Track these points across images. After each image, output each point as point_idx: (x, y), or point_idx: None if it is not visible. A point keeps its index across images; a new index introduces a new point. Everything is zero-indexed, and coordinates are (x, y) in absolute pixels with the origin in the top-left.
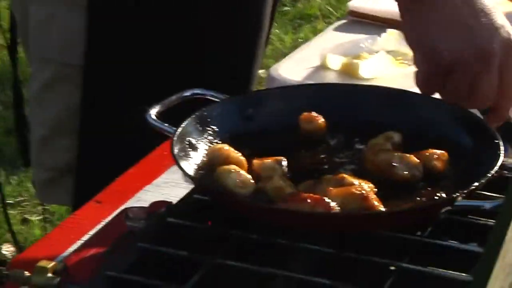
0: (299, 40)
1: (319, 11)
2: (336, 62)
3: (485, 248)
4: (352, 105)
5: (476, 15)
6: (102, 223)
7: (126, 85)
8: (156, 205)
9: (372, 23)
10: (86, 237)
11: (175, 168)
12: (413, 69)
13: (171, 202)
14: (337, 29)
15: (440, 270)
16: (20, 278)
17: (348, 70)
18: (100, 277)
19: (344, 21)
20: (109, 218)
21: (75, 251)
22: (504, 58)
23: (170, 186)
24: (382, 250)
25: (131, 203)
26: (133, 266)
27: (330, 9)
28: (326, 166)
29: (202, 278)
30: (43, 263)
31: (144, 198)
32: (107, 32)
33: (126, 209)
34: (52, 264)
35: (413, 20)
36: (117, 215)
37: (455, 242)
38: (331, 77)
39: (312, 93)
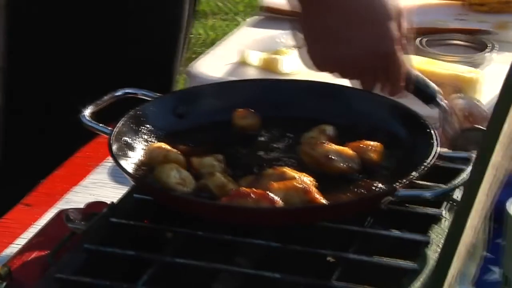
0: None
1: (209, 8)
2: (255, 58)
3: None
4: (284, 99)
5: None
6: (33, 226)
7: (49, 86)
8: (92, 206)
9: (287, 18)
10: (18, 241)
11: (100, 169)
12: None
13: (105, 203)
14: (252, 25)
15: (385, 259)
16: None
17: (268, 65)
18: (49, 280)
19: (258, 17)
20: (40, 220)
21: (17, 254)
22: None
23: (97, 187)
24: (327, 241)
25: (61, 205)
26: (81, 267)
27: (220, 4)
28: (263, 161)
29: (152, 276)
30: None
31: (73, 199)
32: (28, 32)
33: (63, 210)
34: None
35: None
36: (53, 217)
37: (397, 231)
38: (251, 73)
39: (244, 89)
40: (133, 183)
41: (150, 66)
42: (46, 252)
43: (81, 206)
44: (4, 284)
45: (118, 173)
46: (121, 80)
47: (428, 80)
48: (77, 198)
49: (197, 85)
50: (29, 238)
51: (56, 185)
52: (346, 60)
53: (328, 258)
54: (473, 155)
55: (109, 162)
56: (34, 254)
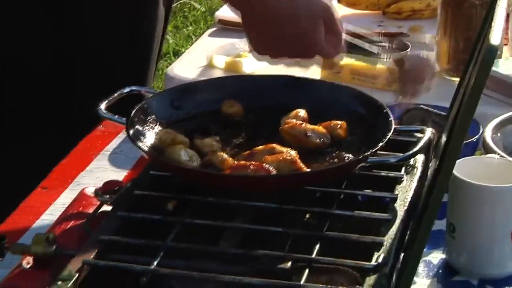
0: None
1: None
2: (221, 61)
3: None
4: (260, 91)
5: None
6: (53, 204)
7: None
8: (108, 184)
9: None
10: (43, 217)
11: (100, 156)
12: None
13: (118, 181)
14: (211, 35)
15: (365, 212)
16: (20, 249)
17: (232, 67)
18: (93, 241)
19: (214, 28)
20: (58, 200)
21: (55, 225)
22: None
23: (101, 171)
24: (313, 202)
25: (73, 186)
26: (117, 230)
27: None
28: (250, 141)
29: (177, 235)
30: (38, 235)
31: (83, 181)
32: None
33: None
34: (46, 235)
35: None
36: (78, 195)
37: (369, 191)
38: (218, 74)
39: (228, 84)
40: (150, 160)
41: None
42: (80, 222)
43: (89, 187)
44: (55, 246)
45: (115, 159)
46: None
47: None
48: (85, 181)
49: (174, 85)
50: (52, 214)
51: (65, 171)
52: (280, 42)
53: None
54: (426, 128)
55: (107, 151)
56: (71, 224)
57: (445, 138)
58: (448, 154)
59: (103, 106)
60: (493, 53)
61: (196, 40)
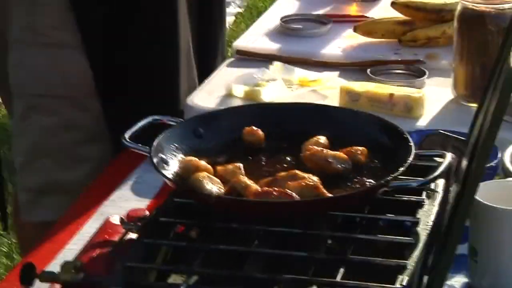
0: None
1: None
2: (240, 90)
3: None
4: (280, 118)
5: None
6: (79, 233)
7: None
8: (132, 212)
9: (255, 59)
10: (68, 246)
11: (123, 185)
12: (300, 91)
13: (142, 209)
14: (229, 65)
15: (387, 236)
16: (49, 277)
17: (251, 96)
18: (121, 268)
19: (232, 59)
20: (83, 229)
21: (82, 253)
22: None
23: (123, 200)
24: (336, 226)
25: (96, 216)
26: (144, 257)
27: None
28: (272, 167)
29: (203, 260)
30: (67, 263)
31: (106, 211)
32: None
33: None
34: (74, 263)
35: None
36: (103, 224)
37: (391, 215)
38: (237, 103)
39: (248, 112)
40: (174, 188)
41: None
42: (106, 249)
43: (114, 216)
44: (83, 274)
45: (138, 189)
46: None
47: None
48: (108, 210)
49: (194, 114)
50: (77, 243)
51: (89, 201)
52: None
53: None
54: (447, 152)
55: (129, 180)
56: (97, 251)
57: (466, 163)
58: (470, 179)
59: (127, 135)
60: None
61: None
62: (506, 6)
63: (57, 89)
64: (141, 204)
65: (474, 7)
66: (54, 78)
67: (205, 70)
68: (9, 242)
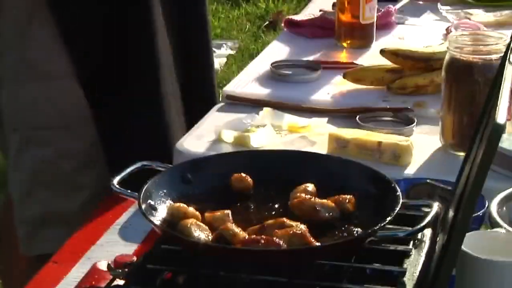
0: None
1: None
2: (229, 136)
3: None
4: (268, 165)
5: None
6: (64, 279)
7: None
8: (120, 258)
9: (245, 104)
10: None
11: (111, 230)
12: (289, 137)
13: (129, 255)
14: (219, 110)
15: (374, 286)
16: None
17: (240, 141)
18: None
19: (222, 104)
20: (69, 274)
21: None
22: None
23: (111, 245)
24: (323, 275)
25: (83, 261)
26: None
27: None
28: (260, 215)
29: None
30: None
31: (93, 256)
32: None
33: (96, 263)
34: None
35: None
36: (90, 269)
37: (378, 264)
38: (227, 148)
39: (237, 159)
40: (161, 234)
41: None
42: None
43: (101, 261)
44: None
45: (125, 233)
46: None
47: None
48: (96, 254)
49: (183, 159)
50: None
51: (76, 246)
52: None
53: None
54: (433, 202)
55: (117, 225)
56: None
57: (452, 213)
58: (456, 230)
59: (115, 181)
60: (499, 132)
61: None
62: (494, 57)
63: (51, 120)
64: (129, 248)
65: (461, 57)
66: (48, 109)
67: (193, 115)
68: None
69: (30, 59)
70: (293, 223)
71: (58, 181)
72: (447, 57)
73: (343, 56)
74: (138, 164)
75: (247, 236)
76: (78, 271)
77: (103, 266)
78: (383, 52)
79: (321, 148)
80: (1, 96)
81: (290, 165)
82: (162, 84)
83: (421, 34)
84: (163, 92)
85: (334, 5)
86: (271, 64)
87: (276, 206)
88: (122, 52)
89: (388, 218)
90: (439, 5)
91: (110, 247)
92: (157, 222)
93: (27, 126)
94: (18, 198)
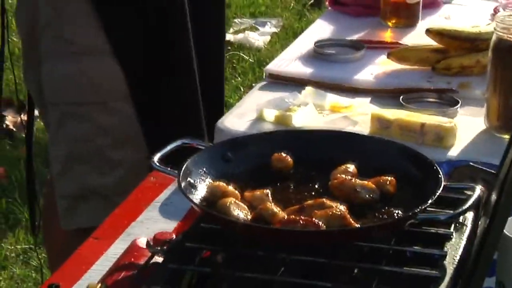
0: None
1: None
2: (270, 115)
3: None
4: (309, 145)
5: None
6: (104, 254)
7: None
8: (159, 235)
9: (287, 83)
10: (94, 267)
11: (151, 207)
12: (331, 117)
13: (169, 232)
14: (261, 89)
15: (414, 269)
16: None
17: (282, 120)
18: None
19: (264, 82)
20: (109, 250)
21: (107, 275)
22: None
23: (151, 222)
24: (362, 257)
25: (123, 237)
26: (168, 282)
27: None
28: (299, 195)
29: (228, 287)
30: (92, 284)
31: (133, 232)
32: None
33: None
34: (99, 285)
35: None
36: (130, 246)
37: (418, 247)
38: (268, 127)
39: (277, 138)
40: (200, 213)
41: None
42: (131, 272)
43: (141, 238)
44: None
45: (166, 211)
46: None
47: None
48: (136, 231)
49: (224, 137)
50: (103, 264)
51: (117, 222)
52: None
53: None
54: (476, 185)
55: (157, 202)
56: (123, 274)
57: (495, 197)
58: (499, 214)
59: (155, 158)
60: None
61: (244, 91)
62: None
63: (88, 96)
64: (169, 226)
65: (508, 38)
66: (85, 85)
67: None
68: (39, 257)
69: (67, 35)
70: (333, 204)
71: (94, 156)
72: (494, 37)
73: (387, 36)
74: (178, 142)
75: (286, 216)
76: (117, 247)
77: (142, 243)
78: (428, 31)
79: (363, 128)
80: (41, 72)
81: (331, 145)
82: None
83: (468, 14)
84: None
85: None
86: (314, 43)
87: (316, 186)
88: (161, 37)
89: (429, 201)
90: None
91: (150, 224)
92: (196, 201)
93: (65, 101)
94: (57, 173)
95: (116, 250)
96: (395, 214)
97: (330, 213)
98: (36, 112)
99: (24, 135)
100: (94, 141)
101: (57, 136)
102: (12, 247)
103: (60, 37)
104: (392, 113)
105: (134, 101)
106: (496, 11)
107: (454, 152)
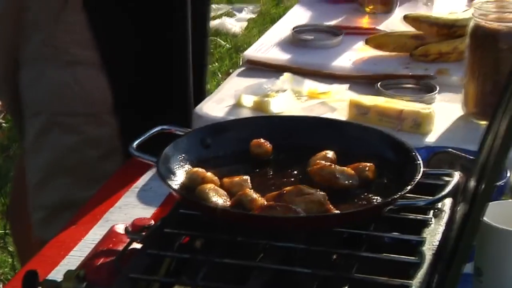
0: None
1: None
2: (249, 101)
3: None
4: (288, 131)
5: None
6: (83, 240)
7: None
8: (138, 221)
9: (265, 69)
10: (72, 253)
11: (129, 193)
12: (309, 103)
13: (148, 218)
14: (239, 75)
15: (392, 255)
16: (51, 285)
17: (260, 106)
18: (124, 279)
19: (242, 68)
20: (87, 236)
21: (85, 261)
22: None
23: (129, 208)
24: (341, 243)
25: (101, 223)
26: (147, 268)
27: None
28: (278, 181)
29: (206, 274)
30: (69, 272)
31: (111, 218)
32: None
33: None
34: (76, 272)
35: None
36: (108, 232)
37: (396, 233)
38: (246, 113)
39: (256, 124)
40: (179, 199)
41: None
42: (110, 259)
43: (119, 224)
44: (85, 284)
45: (144, 196)
46: None
47: None
48: (114, 217)
49: (203, 123)
50: (81, 250)
51: (95, 208)
52: None
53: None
54: (454, 171)
55: (136, 188)
56: (101, 260)
57: (474, 183)
58: (478, 200)
59: (134, 145)
60: None
61: (221, 77)
62: None
63: (77, 107)
64: (147, 212)
65: (486, 25)
66: (75, 95)
67: None
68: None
69: (59, 43)
70: (312, 190)
71: (80, 168)
72: (471, 24)
73: (365, 22)
74: (157, 128)
75: (265, 202)
76: (96, 233)
77: (121, 229)
78: (406, 18)
79: (341, 114)
80: (20, 78)
81: (310, 132)
82: (189, 83)
83: (446, 0)
84: (189, 92)
85: None
86: (292, 29)
87: (295, 172)
88: (151, 51)
89: (408, 187)
90: None
91: (129, 209)
92: (175, 187)
93: (52, 110)
94: (36, 182)
95: (94, 236)
96: (374, 200)
97: (309, 199)
98: None
99: None
100: (81, 152)
101: (38, 145)
102: None
103: (51, 43)
104: (370, 99)
105: (119, 114)
106: None
107: (431, 138)
